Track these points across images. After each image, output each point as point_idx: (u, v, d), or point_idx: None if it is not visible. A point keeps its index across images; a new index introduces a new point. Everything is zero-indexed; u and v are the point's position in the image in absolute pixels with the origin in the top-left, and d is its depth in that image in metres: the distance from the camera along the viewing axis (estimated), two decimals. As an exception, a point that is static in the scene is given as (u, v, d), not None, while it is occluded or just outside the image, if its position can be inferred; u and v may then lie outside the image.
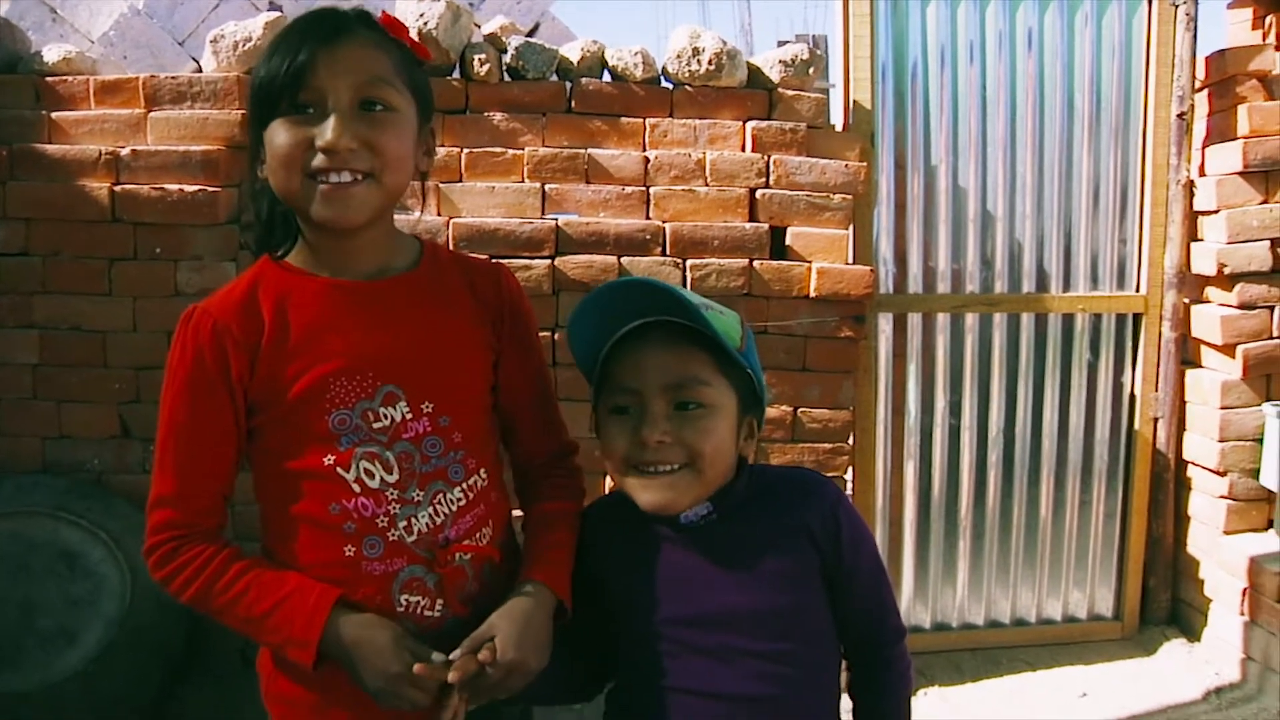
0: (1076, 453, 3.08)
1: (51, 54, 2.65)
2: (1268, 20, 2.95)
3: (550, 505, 1.33)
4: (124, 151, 2.52)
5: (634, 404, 1.22)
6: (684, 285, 2.56)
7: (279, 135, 1.14)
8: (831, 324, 2.65)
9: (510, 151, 2.65)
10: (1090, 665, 2.98)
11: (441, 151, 2.61)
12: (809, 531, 1.24)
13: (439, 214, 2.61)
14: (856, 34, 2.85)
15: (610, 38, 3.38)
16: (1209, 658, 2.91)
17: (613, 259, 2.60)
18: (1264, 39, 2.94)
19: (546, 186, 2.64)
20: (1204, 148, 2.99)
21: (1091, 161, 3.01)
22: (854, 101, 2.86)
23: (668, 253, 2.62)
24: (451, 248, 2.39)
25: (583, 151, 2.66)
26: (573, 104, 2.69)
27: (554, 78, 2.72)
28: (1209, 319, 2.92)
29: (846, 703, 1.32)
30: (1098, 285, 3.05)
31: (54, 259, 2.53)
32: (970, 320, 3.00)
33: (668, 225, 2.62)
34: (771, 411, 2.62)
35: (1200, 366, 3.02)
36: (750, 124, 2.69)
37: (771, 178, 2.66)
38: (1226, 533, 2.90)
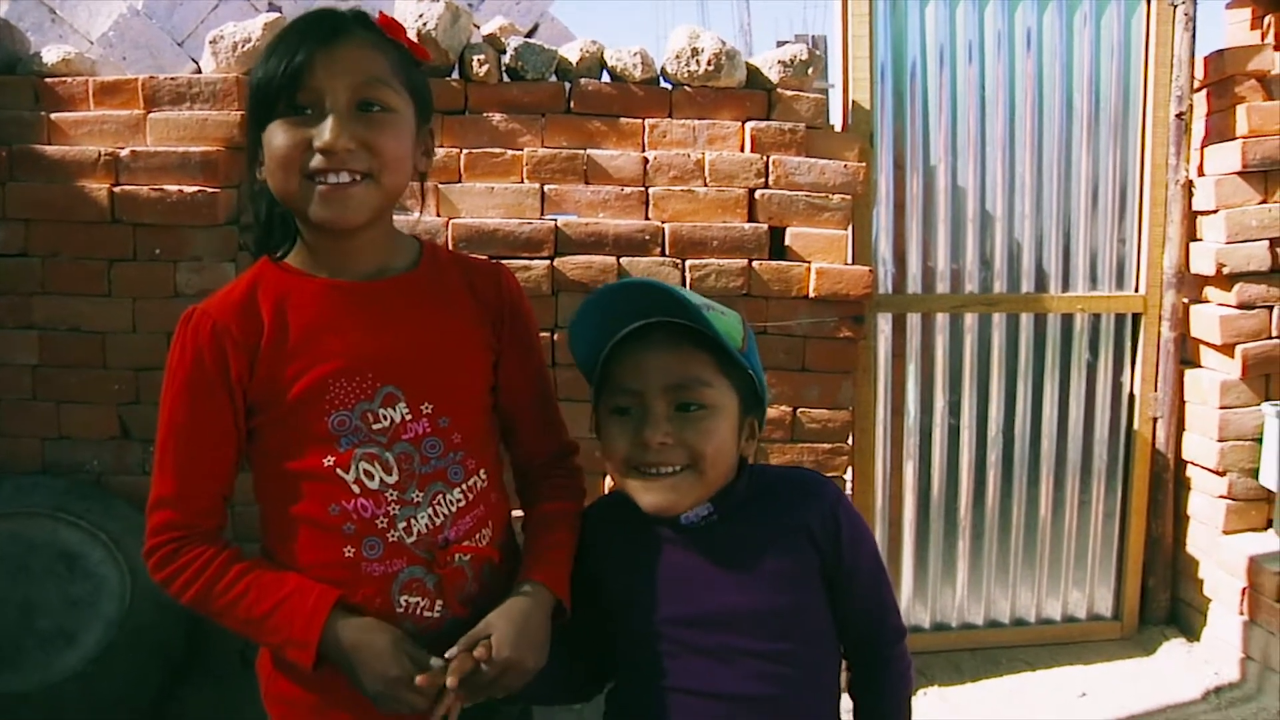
0: (1076, 452, 3.08)
1: (51, 55, 2.65)
2: (1266, 20, 2.95)
3: (550, 505, 1.33)
4: (123, 152, 2.52)
5: (635, 405, 1.22)
6: (683, 286, 2.56)
7: (277, 136, 1.14)
8: (831, 324, 2.65)
9: (509, 152, 2.65)
10: (1089, 665, 2.98)
11: (440, 152, 2.61)
12: (809, 531, 1.25)
13: (438, 214, 2.61)
14: (855, 34, 2.85)
15: (609, 38, 3.39)
16: (1208, 657, 2.92)
17: (612, 259, 2.60)
18: (1263, 39, 2.94)
19: (546, 187, 2.64)
20: (1203, 147, 2.99)
21: (1090, 161, 3.01)
22: (853, 102, 2.86)
23: (667, 253, 2.62)
24: (451, 248, 2.39)
25: (582, 152, 2.66)
26: (572, 104, 2.69)
27: (553, 78, 2.72)
28: (1208, 319, 2.92)
29: (846, 703, 1.32)
30: (1097, 285, 3.06)
31: (53, 260, 2.53)
32: (969, 320, 3.00)
33: (667, 226, 2.63)
34: (771, 412, 2.62)
35: (1199, 366, 3.02)
36: (749, 124, 2.69)
37: (770, 178, 2.67)
38: (1226, 532, 2.90)
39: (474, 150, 2.65)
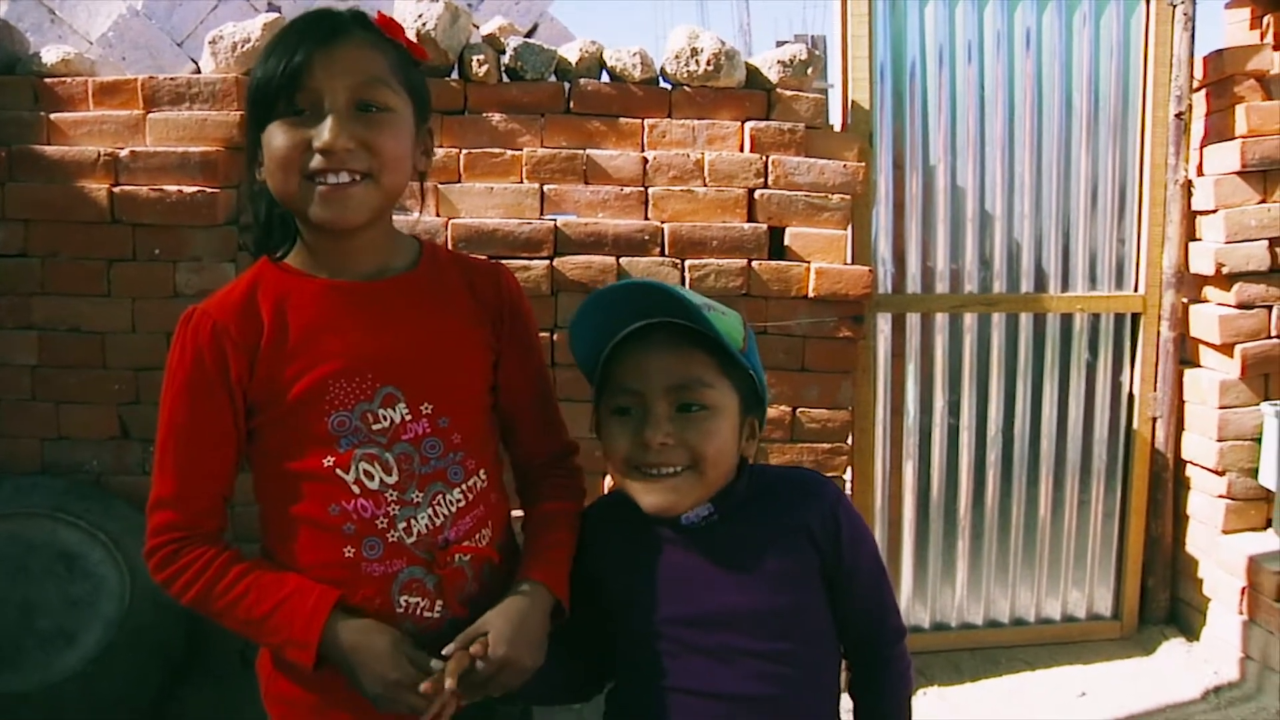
0: (1075, 452, 3.08)
1: (50, 55, 2.65)
2: (1265, 20, 2.95)
3: (550, 505, 1.33)
4: (123, 153, 2.52)
5: (636, 405, 1.22)
6: (682, 285, 2.56)
7: (276, 137, 1.14)
8: (830, 324, 2.65)
9: (509, 152, 2.65)
10: (1089, 665, 2.98)
11: (440, 152, 2.61)
12: (809, 531, 1.25)
13: (438, 214, 2.61)
14: (855, 34, 2.85)
15: (609, 38, 3.39)
16: (1208, 657, 2.92)
17: (611, 259, 2.60)
18: (1262, 39, 2.94)
19: (545, 187, 2.64)
20: (1202, 147, 2.99)
21: (1090, 161, 3.01)
22: (852, 101, 2.86)
23: (666, 253, 2.62)
24: (450, 248, 2.39)
25: (581, 152, 2.66)
26: (571, 105, 2.69)
27: (552, 78, 2.72)
28: (1207, 318, 2.92)
29: (846, 702, 1.32)
30: (1096, 285, 3.06)
31: (53, 260, 2.53)
32: (969, 320, 3.00)
33: (666, 225, 2.63)
34: (770, 411, 2.62)
35: (1199, 366, 3.02)
36: (749, 124, 2.69)
37: (770, 178, 2.67)
38: (1225, 532, 2.90)
39: (473, 150, 2.65)
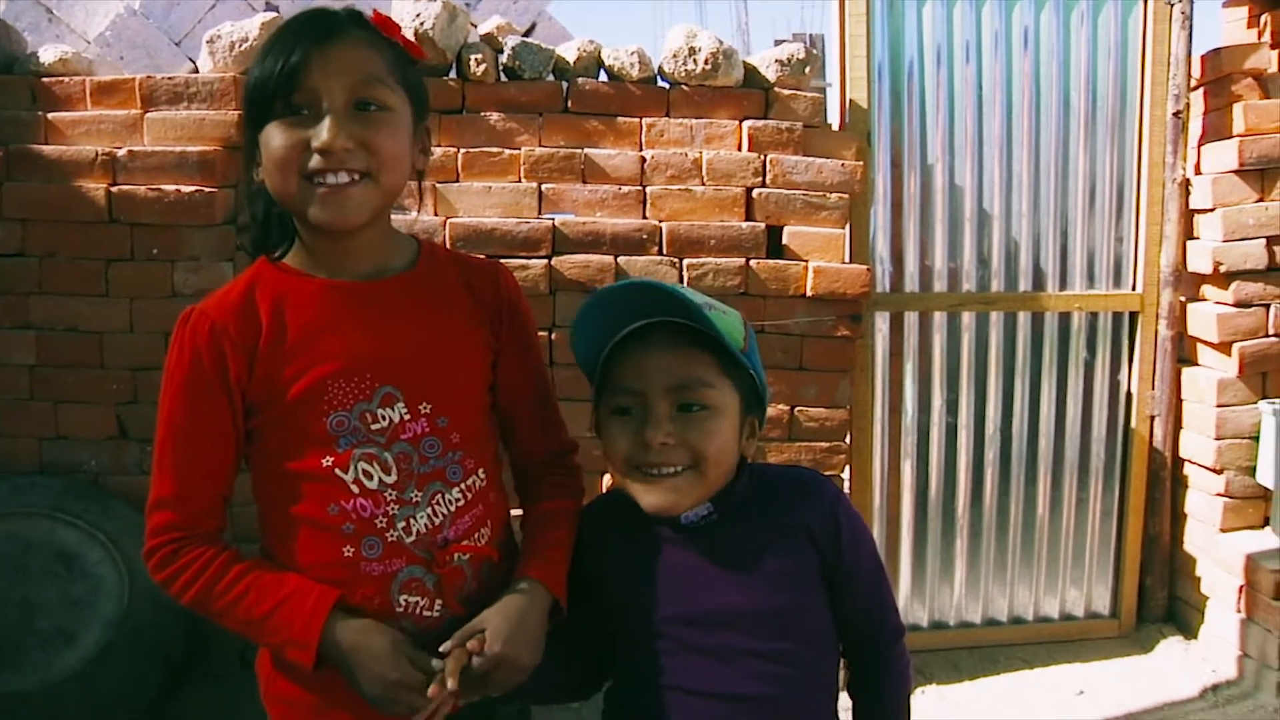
0: (1073, 451, 3.09)
1: (48, 54, 2.65)
2: (1263, 19, 2.95)
3: (549, 504, 1.33)
4: (120, 152, 2.52)
5: (637, 405, 1.22)
6: (681, 284, 2.56)
7: (274, 138, 1.14)
8: (828, 323, 2.66)
9: (507, 151, 2.65)
10: (1087, 663, 2.98)
11: (438, 151, 2.61)
12: (809, 531, 1.25)
13: (436, 214, 2.61)
14: (853, 33, 2.86)
15: (607, 37, 3.38)
16: (1206, 655, 2.92)
17: (609, 258, 2.60)
18: (1259, 37, 2.95)
19: (543, 186, 2.64)
20: (1199, 146, 2.99)
21: (1088, 160, 3.01)
22: (850, 101, 2.86)
23: (664, 252, 2.62)
24: (449, 247, 2.39)
25: (579, 151, 2.66)
26: (569, 104, 2.69)
27: (550, 78, 2.72)
28: (1205, 317, 2.93)
29: (846, 702, 1.32)
30: (1094, 284, 3.06)
31: (50, 260, 2.53)
32: (967, 319, 3.01)
33: (664, 225, 2.63)
34: (768, 410, 2.61)
35: (1196, 364, 3.03)
36: (747, 123, 2.69)
37: (768, 177, 2.67)
38: (1223, 530, 2.90)
39: (471, 149, 2.64)
